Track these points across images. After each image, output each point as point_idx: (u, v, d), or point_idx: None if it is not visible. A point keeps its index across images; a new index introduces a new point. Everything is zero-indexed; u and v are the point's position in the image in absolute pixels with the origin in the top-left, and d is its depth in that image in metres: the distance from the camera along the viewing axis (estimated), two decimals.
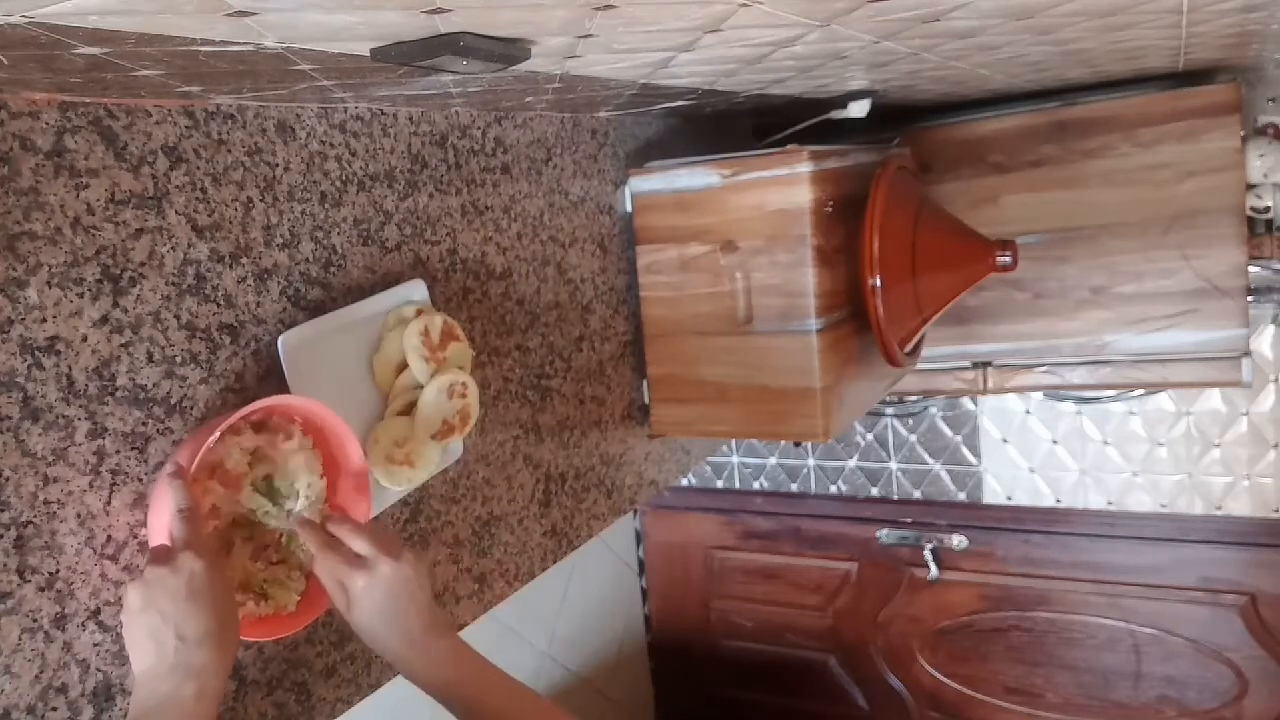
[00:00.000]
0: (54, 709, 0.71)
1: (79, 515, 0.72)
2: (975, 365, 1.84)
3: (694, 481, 2.71)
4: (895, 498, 2.45)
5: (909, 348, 1.47)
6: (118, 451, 0.75)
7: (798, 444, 2.50)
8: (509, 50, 0.71)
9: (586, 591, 2.61)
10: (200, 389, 0.81)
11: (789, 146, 1.28)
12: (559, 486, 1.25)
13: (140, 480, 0.76)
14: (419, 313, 0.97)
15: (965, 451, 2.35)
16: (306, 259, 0.90)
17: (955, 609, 2.40)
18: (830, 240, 1.30)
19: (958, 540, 2.35)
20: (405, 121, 1.02)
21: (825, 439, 1.31)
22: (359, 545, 0.81)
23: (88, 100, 0.72)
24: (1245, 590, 2.10)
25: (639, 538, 2.82)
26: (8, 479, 0.68)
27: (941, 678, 2.45)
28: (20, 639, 0.69)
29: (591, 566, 2.64)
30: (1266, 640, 2.09)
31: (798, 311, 1.28)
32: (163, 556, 0.70)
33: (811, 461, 2.55)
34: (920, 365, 1.80)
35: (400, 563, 0.80)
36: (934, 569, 2.37)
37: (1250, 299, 1.64)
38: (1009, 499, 2.32)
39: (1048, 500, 2.28)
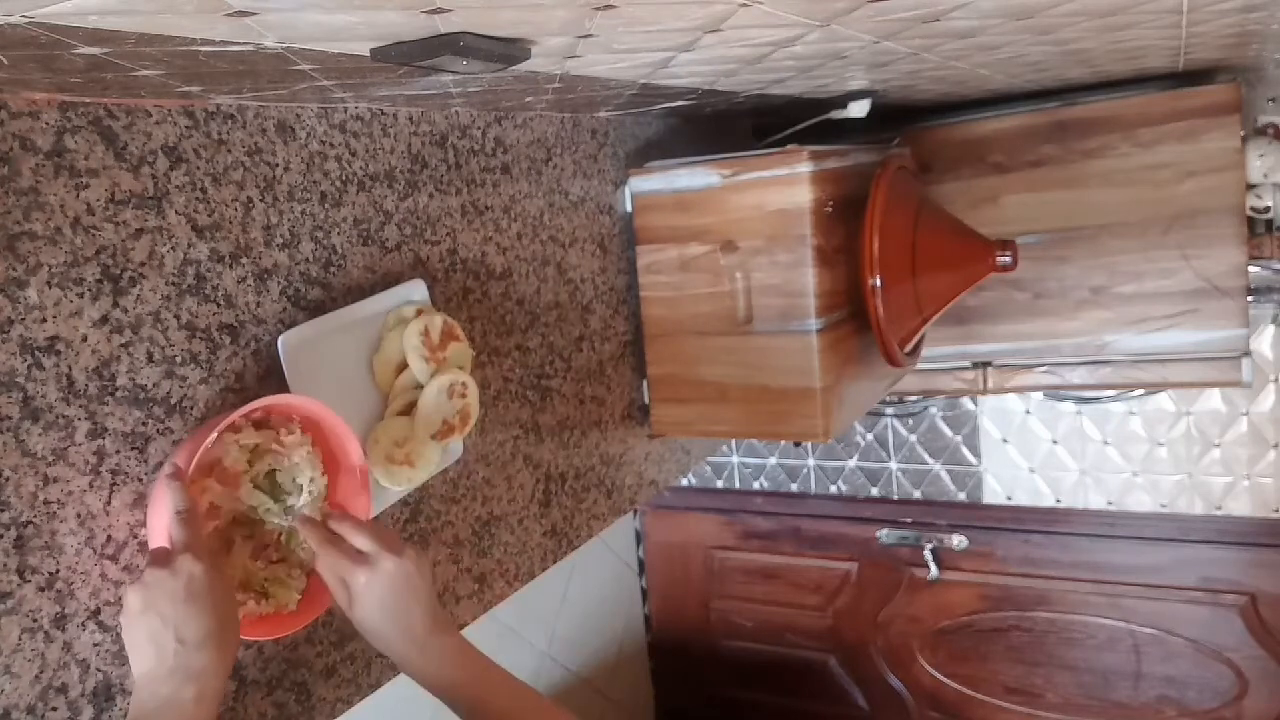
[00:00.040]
0: (54, 709, 0.71)
1: (79, 515, 0.72)
2: (975, 365, 1.84)
3: (694, 481, 2.71)
4: (895, 498, 2.45)
5: (909, 348, 1.47)
6: (118, 451, 0.75)
7: (798, 444, 2.50)
8: (509, 50, 0.71)
9: (586, 591, 2.61)
10: (200, 389, 0.81)
11: (789, 146, 1.28)
12: (559, 486, 1.25)
13: (140, 480, 0.76)
14: (419, 313, 0.97)
15: (965, 451, 2.35)
16: (306, 259, 0.90)
17: (955, 609, 2.40)
18: (830, 240, 1.30)
19: (958, 540, 2.35)
20: (405, 121, 1.02)
21: (825, 439, 1.31)
22: (361, 542, 0.81)
23: (88, 100, 0.72)
24: (1245, 590, 2.10)
25: (639, 538, 2.82)
26: (8, 479, 0.68)
27: (941, 678, 2.45)
28: (20, 639, 0.69)
29: (591, 566, 2.64)
30: (1266, 640, 2.09)
31: (798, 311, 1.28)
32: (162, 559, 0.70)
33: (811, 461, 2.55)
34: (920, 365, 1.80)
35: (403, 559, 0.80)
36: (934, 569, 2.37)
37: (1250, 299, 1.64)
38: (1009, 499, 2.32)
39: (1048, 500, 2.28)
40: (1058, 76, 1.48)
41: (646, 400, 1.42)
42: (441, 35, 0.64)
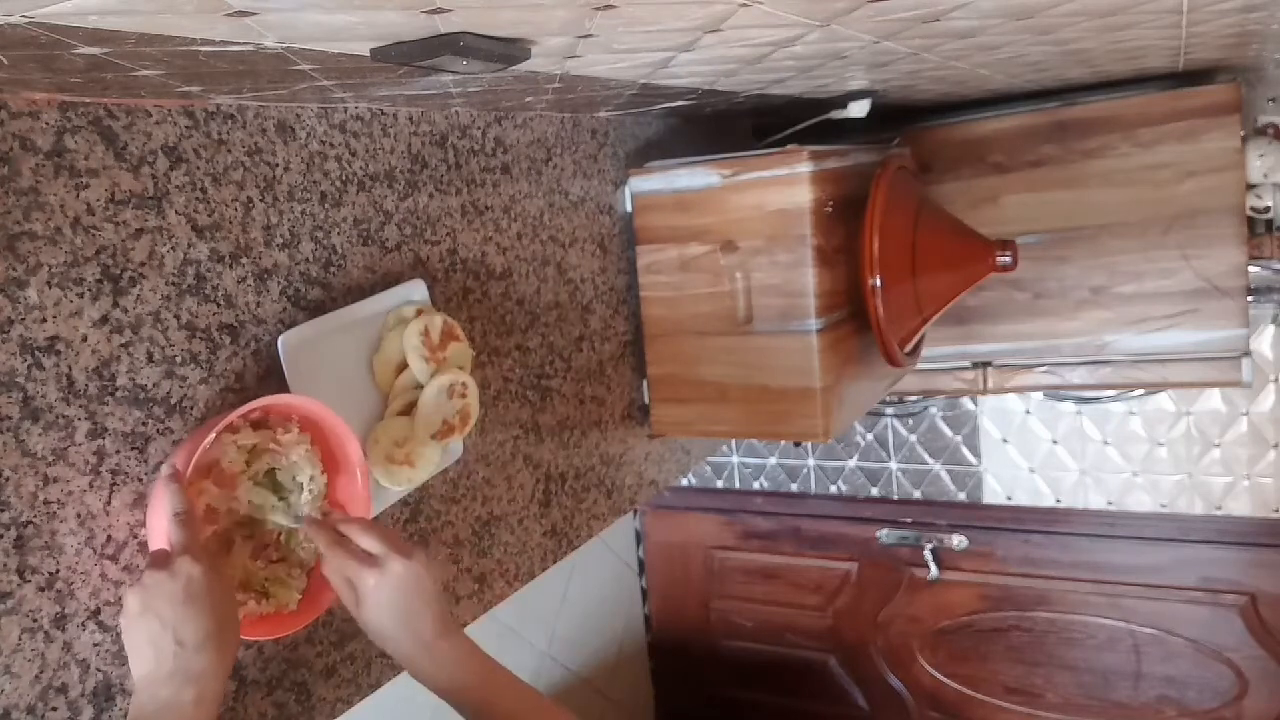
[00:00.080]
0: (54, 709, 0.71)
1: (79, 515, 0.72)
2: (975, 365, 1.84)
3: (694, 481, 2.71)
4: (895, 498, 2.45)
5: (909, 348, 1.47)
6: (118, 451, 0.75)
7: (798, 444, 2.50)
8: (509, 50, 0.71)
9: (586, 591, 2.61)
10: (200, 389, 0.81)
11: (789, 146, 1.28)
12: (559, 486, 1.25)
13: (140, 480, 0.76)
14: (419, 313, 0.97)
15: (965, 451, 2.35)
16: (306, 259, 0.90)
17: (955, 609, 2.40)
18: (830, 240, 1.30)
19: (958, 540, 2.35)
20: (405, 121, 1.02)
21: (825, 439, 1.31)
22: (369, 543, 0.80)
23: (88, 100, 0.72)
24: (1245, 590, 2.10)
25: (639, 538, 2.82)
26: (8, 479, 0.68)
27: (941, 678, 2.45)
28: (20, 639, 0.69)
29: (591, 566, 2.64)
30: (1266, 640, 2.09)
31: (798, 311, 1.28)
32: (161, 561, 0.70)
33: (811, 461, 2.55)
34: (920, 365, 1.80)
35: (412, 561, 0.79)
36: (934, 569, 2.37)
37: (1250, 299, 1.64)
38: (1009, 499, 2.32)
39: (1048, 500, 2.28)
40: (1058, 76, 1.48)
41: (646, 400, 1.42)
42: (441, 35, 0.64)
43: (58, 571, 0.71)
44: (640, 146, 1.46)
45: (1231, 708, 2.14)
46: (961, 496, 2.37)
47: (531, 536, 1.20)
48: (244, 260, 0.84)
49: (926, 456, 2.40)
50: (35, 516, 0.69)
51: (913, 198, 1.44)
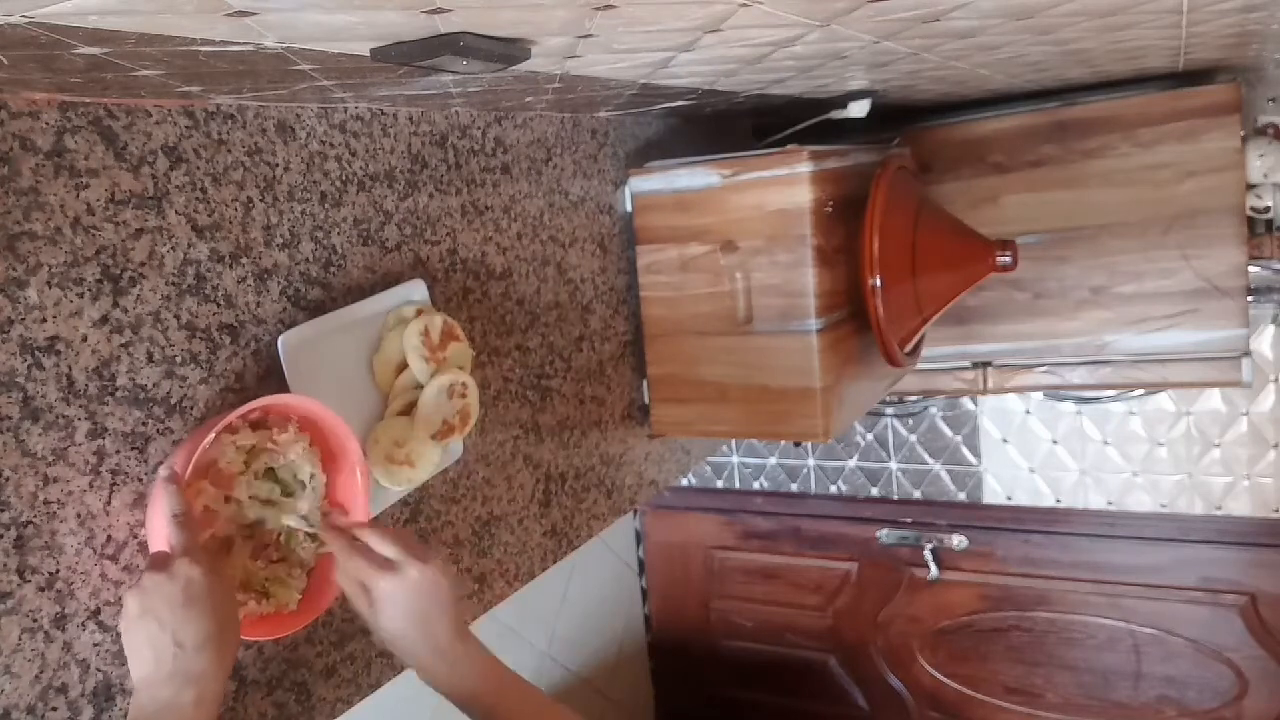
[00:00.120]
0: (54, 709, 0.71)
1: (79, 515, 0.72)
2: (975, 365, 1.84)
3: (694, 481, 2.71)
4: (895, 498, 2.45)
5: (909, 348, 1.47)
6: (118, 451, 0.75)
7: (798, 444, 2.50)
8: (509, 50, 0.71)
9: (586, 591, 2.61)
10: (200, 389, 0.81)
11: (789, 146, 1.28)
12: (559, 486, 1.25)
13: (140, 480, 0.76)
14: (419, 313, 0.97)
15: (965, 451, 2.35)
16: (306, 259, 0.90)
17: (955, 609, 2.40)
18: (830, 240, 1.30)
19: (958, 540, 2.35)
20: (405, 121, 1.02)
21: (825, 439, 1.31)
22: (386, 549, 0.80)
23: (88, 100, 0.72)
24: (1245, 590, 2.10)
25: (639, 538, 2.82)
26: (8, 479, 0.68)
27: (941, 678, 2.45)
28: (20, 639, 0.69)
29: (591, 566, 2.64)
30: (1266, 640, 2.09)
31: (798, 311, 1.28)
32: (160, 563, 0.70)
33: (811, 461, 2.55)
34: (920, 365, 1.80)
35: (428, 566, 0.79)
36: (934, 569, 2.37)
37: (1250, 299, 1.64)
38: (1009, 499, 2.32)
39: (1048, 500, 2.28)
40: (1058, 76, 1.48)
41: (646, 400, 1.42)
42: (441, 35, 0.64)
43: (58, 571, 0.71)
44: (640, 146, 1.46)
45: (1231, 708, 2.14)
46: (961, 496, 2.37)
47: (531, 536, 1.20)
48: (244, 260, 0.84)
49: (926, 456, 2.40)
50: (35, 516, 0.69)
51: (913, 198, 1.44)
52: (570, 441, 1.28)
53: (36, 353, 0.69)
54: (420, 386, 0.96)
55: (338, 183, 0.93)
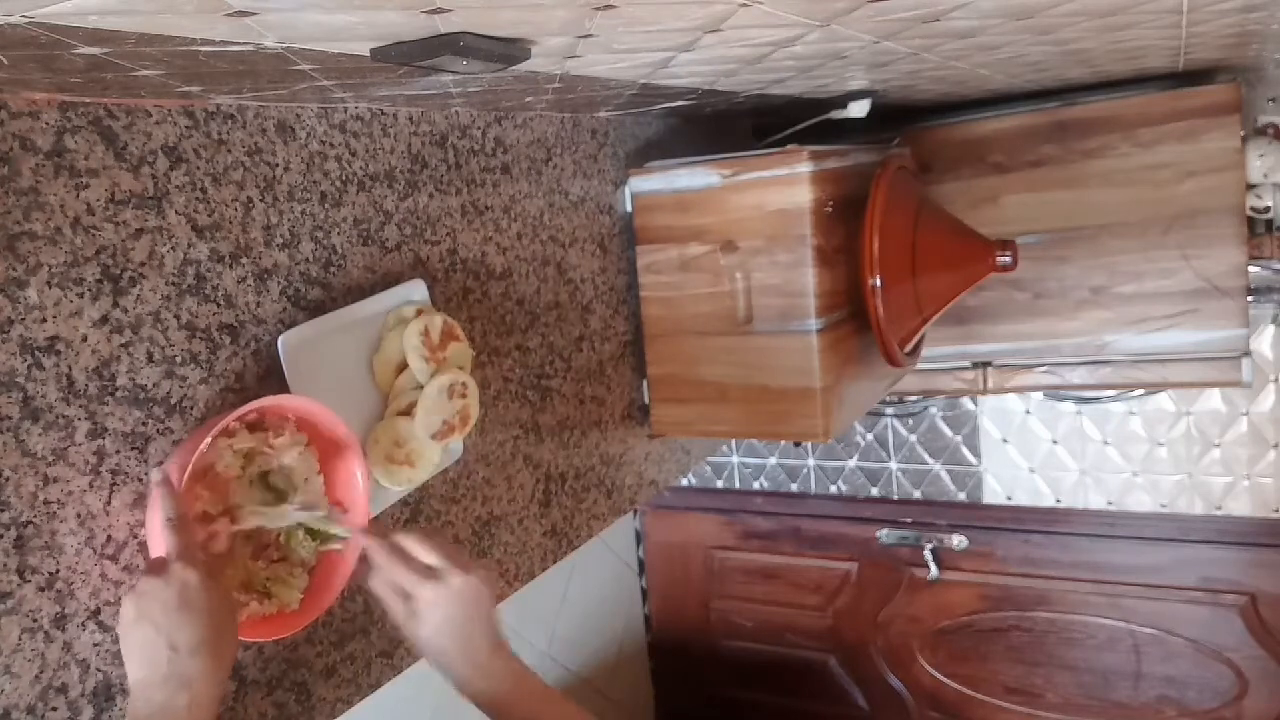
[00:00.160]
0: (54, 709, 0.71)
1: (79, 515, 0.72)
2: (975, 365, 1.84)
3: (694, 481, 2.71)
4: (895, 498, 2.45)
5: (909, 348, 1.47)
6: (118, 451, 0.75)
7: (798, 444, 2.50)
8: (509, 50, 0.71)
9: (586, 591, 2.61)
10: (200, 389, 0.81)
11: (789, 146, 1.28)
12: (559, 486, 1.25)
13: (140, 480, 0.76)
14: (419, 313, 0.97)
15: (965, 451, 2.35)
16: (306, 259, 0.90)
17: (955, 609, 2.40)
18: (830, 240, 1.30)
19: (958, 540, 2.35)
20: (405, 121, 1.02)
21: (825, 439, 1.31)
22: (428, 556, 0.80)
23: (88, 100, 0.72)
24: (1245, 590, 2.10)
25: (639, 538, 2.82)
26: (8, 479, 0.68)
27: (941, 678, 2.45)
28: (20, 639, 0.69)
29: (591, 566, 2.64)
30: (1266, 640, 2.09)
31: (798, 311, 1.28)
32: (156, 568, 0.70)
33: (811, 461, 2.55)
34: (920, 365, 1.79)
35: (470, 576, 0.79)
36: (934, 569, 2.36)
37: (1250, 299, 1.64)
38: (1009, 499, 2.32)
39: (1048, 500, 2.28)
40: (1058, 76, 1.48)
41: (646, 400, 1.42)
42: (441, 35, 0.64)
43: (58, 571, 0.71)
44: (640, 146, 1.46)
45: (1231, 708, 2.14)
46: (961, 496, 2.37)
47: (531, 536, 1.20)
48: (244, 260, 0.84)
49: (926, 456, 2.40)
50: (35, 516, 0.69)
51: (913, 198, 1.44)
52: (570, 441, 1.28)
53: (36, 353, 0.69)
54: (420, 386, 0.96)
55: (338, 183, 0.93)
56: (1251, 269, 1.77)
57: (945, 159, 1.79)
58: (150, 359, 0.77)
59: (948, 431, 2.36)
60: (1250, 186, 1.74)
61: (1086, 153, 1.69)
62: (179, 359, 0.79)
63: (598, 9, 0.63)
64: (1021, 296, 1.76)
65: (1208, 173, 1.61)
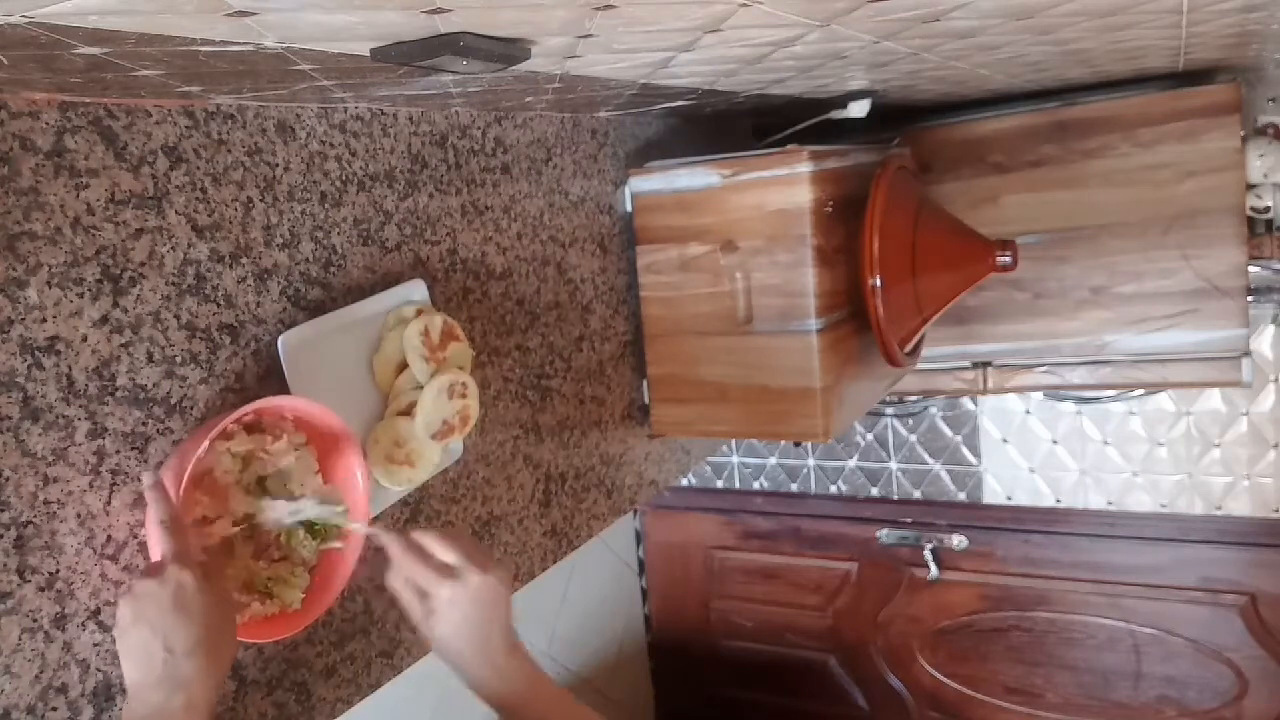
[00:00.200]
0: (54, 709, 0.71)
1: (79, 515, 0.72)
2: (975, 365, 1.84)
3: (694, 481, 2.71)
4: (895, 498, 2.45)
5: (909, 348, 1.47)
6: (118, 451, 0.75)
7: (798, 444, 2.50)
8: (509, 50, 0.71)
9: (586, 591, 2.61)
10: (200, 389, 0.81)
11: (789, 146, 1.28)
12: (559, 486, 1.25)
13: (140, 480, 0.76)
14: (419, 313, 0.97)
15: (965, 451, 2.35)
16: (306, 259, 0.90)
17: (955, 609, 2.40)
18: (830, 240, 1.30)
19: (958, 540, 2.35)
20: (405, 121, 1.02)
21: (825, 439, 1.31)
22: (447, 554, 0.79)
23: (88, 100, 0.72)
24: (1245, 590, 2.10)
25: (639, 538, 2.82)
26: (8, 479, 0.68)
27: (941, 678, 2.45)
28: (20, 639, 0.69)
29: (591, 566, 2.64)
30: (1266, 640, 2.09)
31: (798, 311, 1.28)
32: (152, 570, 0.70)
33: (811, 461, 2.55)
34: (920, 365, 1.80)
35: (489, 575, 0.79)
36: (934, 569, 2.36)
37: (1250, 299, 1.64)
38: (1009, 499, 2.32)
39: (1048, 500, 2.28)
40: (1058, 76, 1.48)
41: (646, 400, 1.42)
42: (441, 35, 0.64)
43: (58, 571, 0.71)
44: (640, 146, 1.46)
45: (1231, 708, 2.14)
46: (961, 496, 2.37)
47: (531, 536, 1.20)
48: (244, 260, 0.84)
49: (926, 456, 2.40)
50: (35, 516, 0.69)
51: (913, 198, 1.44)
52: (570, 441, 1.28)
53: (36, 353, 0.69)
54: (420, 386, 0.96)
55: (338, 183, 0.93)
56: (1251, 269, 1.77)
57: (945, 159, 1.79)
58: (150, 359, 0.77)
59: (948, 431, 2.36)
60: (1250, 186, 1.74)
61: (1086, 153, 1.69)
62: (179, 359, 0.79)
63: (598, 9, 0.63)
64: (1021, 296, 1.76)
65: (1208, 173, 1.61)
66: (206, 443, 0.74)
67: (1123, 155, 1.66)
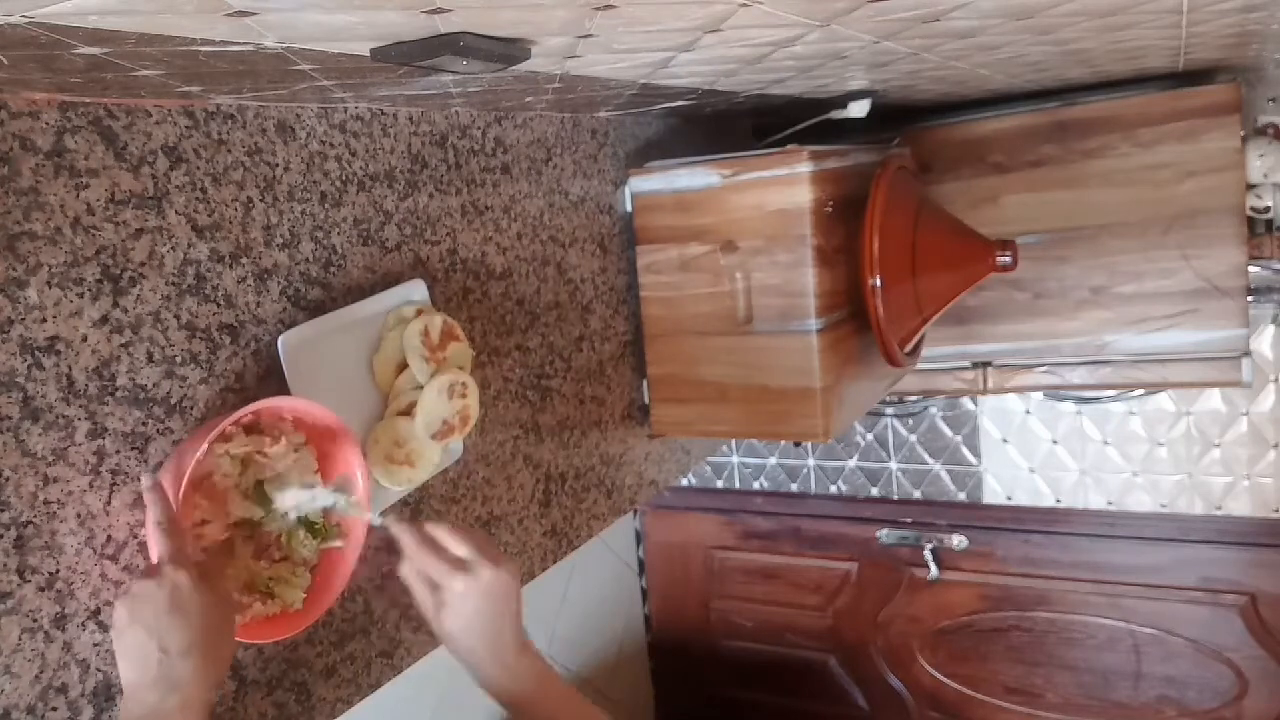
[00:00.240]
0: (54, 709, 0.71)
1: (79, 515, 0.72)
2: (975, 365, 1.84)
3: (694, 481, 2.71)
4: (895, 498, 2.45)
5: (909, 348, 1.47)
6: (118, 451, 0.75)
7: (798, 444, 2.50)
8: (509, 50, 0.71)
9: (586, 591, 2.61)
10: (200, 389, 0.81)
11: (789, 146, 1.28)
12: (559, 486, 1.25)
13: (140, 480, 0.76)
14: (419, 313, 0.97)
15: (965, 451, 2.35)
16: (306, 259, 0.90)
17: (955, 609, 2.40)
18: (830, 240, 1.30)
19: (958, 540, 2.35)
20: (405, 121, 1.02)
21: (825, 439, 1.31)
22: (459, 548, 0.79)
23: (88, 100, 0.72)
24: (1245, 590, 2.10)
25: (639, 538, 2.82)
26: (8, 479, 0.68)
27: (941, 678, 2.45)
28: (20, 639, 0.69)
29: (591, 566, 2.64)
30: (1266, 640, 2.09)
31: (798, 311, 1.28)
32: (149, 571, 0.70)
33: (811, 461, 2.55)
34: (920, 365, 1.80)
35: (501, 570, 0.79)
36: (934, 569, 2.37)
37: (1250, 299, 1.64)
38: (1009, 499, 2.32)
39: (1048, 500, 2.28)
40: (1058, 76, 1.48)
41: (646, 400, 1.42)
42: (441, 35, 0.64)
43: (58, 571, 0.71)
44: (640, 146, 1.46)
45: (1231, 708, 2.14)
46: (961, 496, 2.37)
47: (531, 536, 1.20)
48: (244, 260, 0.84)
49: (926, 456, 2.40)
50: (35, 516, 0.69)
51: (913, 198, 1.44)
52: (570, 441, 1.28)
53: (36, 353, 0.69)
54: (420, 386, 0.96)
55: (338, 183, 0.93)
56: (1251, 269, 1.77)
57: (945, 159, 1.79)
58: (150, 359, 0.77)
59: (948, 431, 2.36)
60: (1250, 186, 1.74)
61: (1086, 153, 1.69)
62: (179, 359, 0.79)
63: (598, 9, 0.63)
64: (1021, 296, 1.76)
65: (1208, 173, 1.61)
66: (205, 445, 0.74)
67: (1123, 155, 1.66)
